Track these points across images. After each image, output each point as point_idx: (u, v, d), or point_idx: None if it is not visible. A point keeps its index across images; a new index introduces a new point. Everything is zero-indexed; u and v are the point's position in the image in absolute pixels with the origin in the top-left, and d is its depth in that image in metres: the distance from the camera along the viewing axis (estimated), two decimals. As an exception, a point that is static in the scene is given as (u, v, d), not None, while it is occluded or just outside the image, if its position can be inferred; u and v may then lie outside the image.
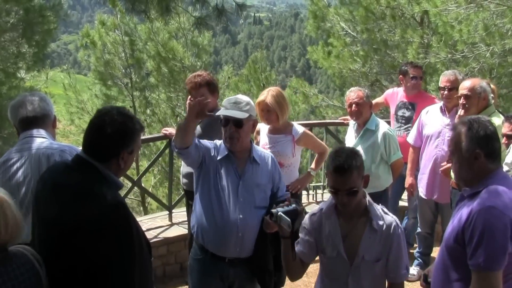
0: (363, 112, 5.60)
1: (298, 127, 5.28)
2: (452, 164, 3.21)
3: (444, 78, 5.75)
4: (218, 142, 4.09)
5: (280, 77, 66.21)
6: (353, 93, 5.63)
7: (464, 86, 5.25)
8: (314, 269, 6.51)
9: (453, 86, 5.59)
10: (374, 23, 13.71)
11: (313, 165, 5.58)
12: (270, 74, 17.65)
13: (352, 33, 14.40)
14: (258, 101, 5.09)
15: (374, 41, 13.88)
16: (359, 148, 5.33)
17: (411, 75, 6.61)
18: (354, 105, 5.57)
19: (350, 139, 5.81)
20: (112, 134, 2.80)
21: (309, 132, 5.45)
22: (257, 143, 5.13)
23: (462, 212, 3.05)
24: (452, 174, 5.16)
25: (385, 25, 13.61)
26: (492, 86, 5.21)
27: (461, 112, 5.20)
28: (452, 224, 3.12)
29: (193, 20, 7.53)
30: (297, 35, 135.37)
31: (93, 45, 16.71)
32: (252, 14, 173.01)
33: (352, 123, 5.89)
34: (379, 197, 5.09)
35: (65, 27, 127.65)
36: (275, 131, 5.21)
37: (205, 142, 4.04)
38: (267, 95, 5.09)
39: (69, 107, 17.20)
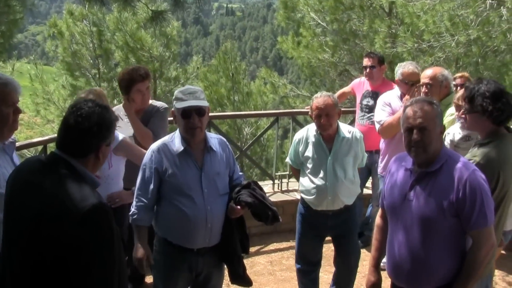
0: (333, 124, 4.80)
1: (116, 134, 4.50)
2: (420, 140, 3.33)
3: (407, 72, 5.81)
4: (169, 138, 4.03)
5: (251, 67, 66.18)
6: (321, 100, 4.73)
7: (426, 75, 5.32)
8: (278, 257, 6.58)
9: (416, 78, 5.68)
10: (343, 14, 13.75)
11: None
12: (240, 64, 17.62)
13: (322, 23, 14.42)
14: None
15: (343, 31, 13.92)
16: (338, 161, 4.81)
17: (363, 65, 6.75)
18: (324, 117, 4.72)
19: (318, 155, 4.89)
20: (91, 128, 2.72)
21: (128, 141, 4.81)
22: None
23: (439, 187, 3.31)
24: None
25: (354, 15, 13.65)
26: (466, 75, 5.23)
27: None
28: (430, 200, 3.33)
29: (150, 13, 7.40)
30: (269, 26, 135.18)
31: (61, 36, 16.48)
32: (225, 5, 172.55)
33: (303, 137, 5.01)
34: (355, 202, 5.08)
35: (33, 17, 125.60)
36: None
37: (152, 161, 3.96)
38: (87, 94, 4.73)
39: (35, 98, 16.96)
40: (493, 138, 3.87)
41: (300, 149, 4.99)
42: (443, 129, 3.43)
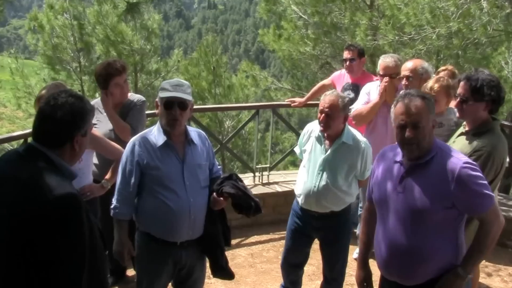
0: (332, 125, 4.54)
1: None
2: (414, 137, 3.29)
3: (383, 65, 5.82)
4: (150, 132, 3.99)
5: (234, 61, 66.09)
6: (327, 98, 4.52)
7: (406, 67, 5.30)
8: (259, 249, 6.57)
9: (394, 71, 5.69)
10: (324, 6, 13.75)
11: (108, 175, 4.65)
12: (221, 57, 17.57)
13: (303, 16, 14.41)
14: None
15: (324, 24, 13.91)
16: (331, 165, 4.63)
17: (343, 58, 6.74)
18: (324, 115, 4.52)
19: (315, 151, 4.76)
20: (64, 117, 2.69)
21: (97, 134, 4.61)
22: None
23: (430, 179, 3.28)
24: None
25: (335, 8, 13.66)
26: (457, 73, 5.22)
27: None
28: (421, 193, 3.29)
29: (126, 5, 7.35)
30: (251, 19, 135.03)
31: (41, 29, 16.37)
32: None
33: (311, 129, 4.89)
34: (348, 210, 4.89)
35: (15, 11, 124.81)
36: None
37: (133, 154, 3.92)
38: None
39: (16, 91, 16.84)
40: (488, 127, 4.02)
41: (303, 140, 4.91)
42: (435, 122, 3.38)
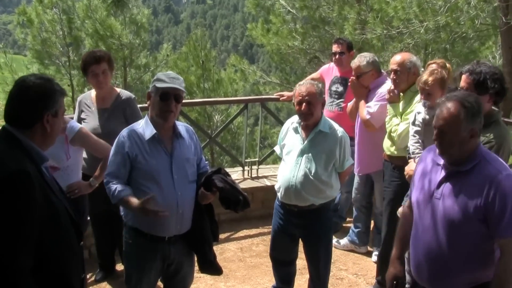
0: (314, 113, 4.58)
1: (74, 124, 4.58)
2: (440, 143, 3.18)
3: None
4: (137, 125, 3.96)
5: (223, 55, 65.87)
6: (303, 88, 4.58)
7: (394, 61, 5.29)
8: (248, 244, 6.57)
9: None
10: (312, 0, 13.77)
11: (96, 173, 4.70)
12: (210, 51, 17.54)
13: (291, 10, 14.41)
14: None
15: (312, 18, 13.94)
16: (309, 154, 4.62)
17: (332, 51, 6.75)
18: (305, 104, 4.53)
19: (293, 143, 4.77)
20: (31, 96, 2.75)
21: (86, 131, 4.64)
22: None
23: (468, 188, 3.10)
24: (386, 147, 5.27)
25: (323, 2, 13.68)
26: (447, 65, 5.23)
27: (391, 87, 5.26)
28: (457, 201, 3.13)
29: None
30: (240, 14, 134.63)
31: (30, 23, 16.31)
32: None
33: (290, 123, 4.90)
34: (328, 206, 4.85)
35: (4, 6, 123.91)
36: None
37: (122, 144, 3.88)
38: None
39: (5, 86, 16.75)
40: (493, 118, 3.96)
41: (282, 135, 4.89)
42: (474, 131, 3.11)
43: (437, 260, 3.25)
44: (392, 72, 5.24)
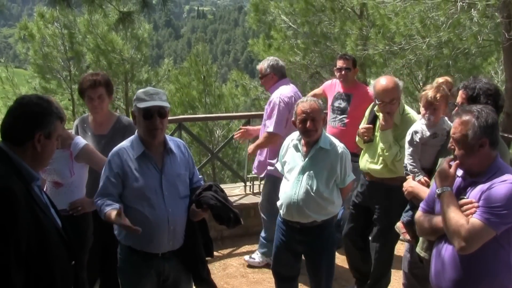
0: (318, 129, 4.60)
1: (79, 140, 4.53)
2: (455, 152, 3.31)
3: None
4: (128, 142, 3.93)
5: (223, 70, 66.11)
6: (307, 104, 4.57)
7: (386, 91, 5.14)
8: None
9: None
10: (314, 16, 13.81)
11: None
12: (211, 66, 17.58)
13: (293, 25, 14.46)
14: None
15: (314, 34, 13.98)
16: (310, 171, 4.61)
17: (337, 67, 6.69)
18: (310, 121, 4.52)
19: (293, 160, 4.75)
20: (24, 114, 2.77)
21: (91, 148, 4.59)
22: None
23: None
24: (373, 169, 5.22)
25: (325, 17, 13.72)
26: (449, 79, 5.18)
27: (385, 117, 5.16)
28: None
29: (118, 14, 7.32)
30: (240, 29, 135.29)
31: (32, 38, 16.41)
32: (196, 8, 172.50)
33: (290, 140, 4.87)
34: (331, 222, 4.83)
35: (5, 20, 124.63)
36: None
37: (112, 163, 3.86)
38: None
39: (6, 101, 16.82)
40: None
41: (283, 153, 4.87)
42: (484, 141, 3.25)
43: (457, 269, 3.30)
44: (387, 103, 5.08)
